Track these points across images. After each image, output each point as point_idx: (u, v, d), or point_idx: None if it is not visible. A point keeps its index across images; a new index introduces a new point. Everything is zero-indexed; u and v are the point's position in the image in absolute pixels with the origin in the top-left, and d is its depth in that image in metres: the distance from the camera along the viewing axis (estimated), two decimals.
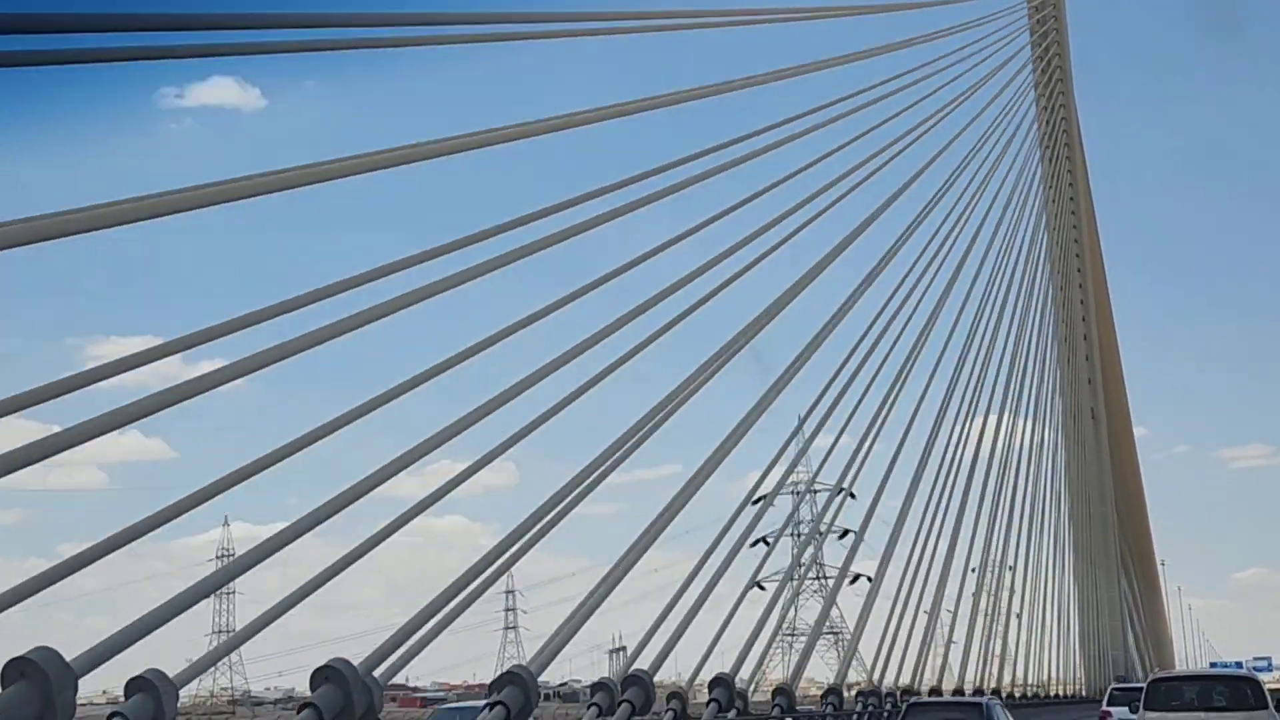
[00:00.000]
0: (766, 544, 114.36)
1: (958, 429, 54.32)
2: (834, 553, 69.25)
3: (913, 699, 27.18)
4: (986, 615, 66.28)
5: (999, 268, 56.22)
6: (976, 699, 22.23)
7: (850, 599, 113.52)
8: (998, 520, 64.83)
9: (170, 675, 14.19)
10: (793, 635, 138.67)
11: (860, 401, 41.39)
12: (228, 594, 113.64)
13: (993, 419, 60.78)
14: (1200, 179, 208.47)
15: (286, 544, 15.55)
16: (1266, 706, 17.29)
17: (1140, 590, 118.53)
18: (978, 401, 56.19)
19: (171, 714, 14.27)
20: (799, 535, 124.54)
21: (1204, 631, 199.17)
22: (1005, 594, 70.81)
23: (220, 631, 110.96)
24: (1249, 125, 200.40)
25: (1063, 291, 76.06)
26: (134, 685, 14.65)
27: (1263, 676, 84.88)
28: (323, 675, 15.48)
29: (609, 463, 23.52)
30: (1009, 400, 63.03)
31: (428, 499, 18.56)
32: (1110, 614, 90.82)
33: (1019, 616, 74.42)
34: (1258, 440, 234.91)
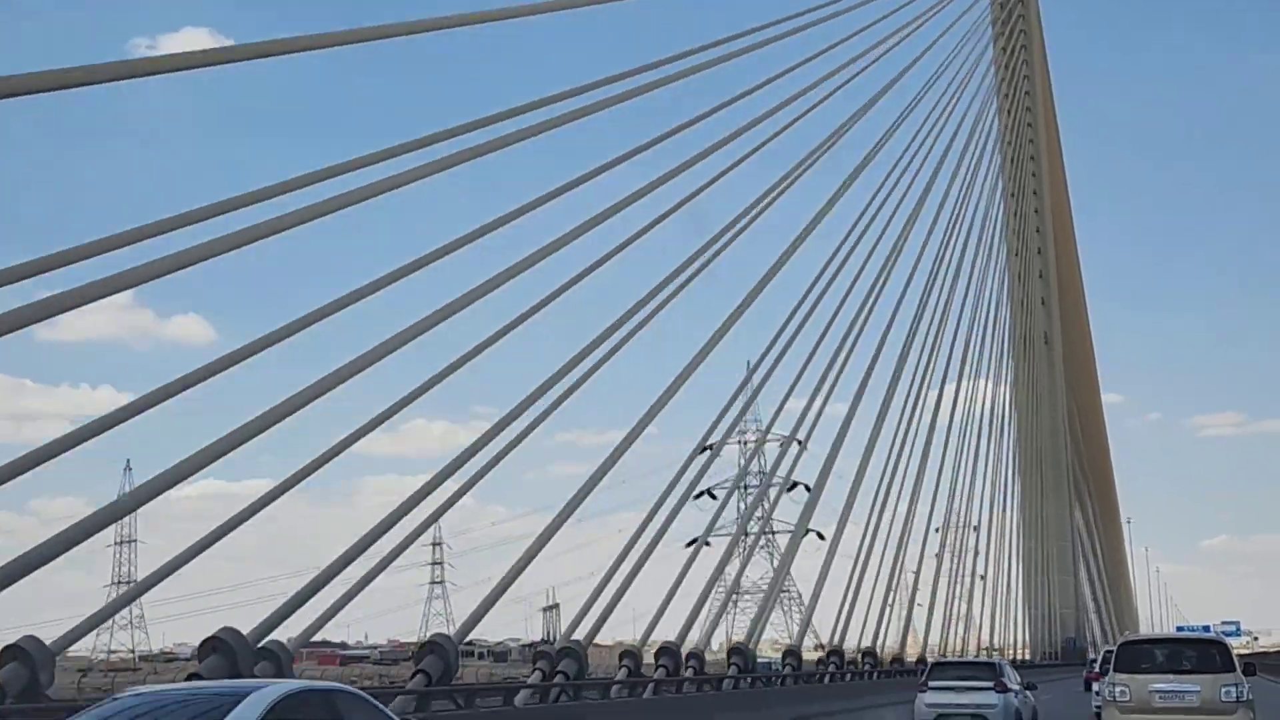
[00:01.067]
0: (713, 497, 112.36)
1: (917, 379, 55.05)
2: (789, 511, 68.88)
3: (935, 659, 31.62)
4: (950, 577, 67.09)
5: (958, 208, 56.60)
6: (990, 660, 25.51)
7: (808, 559, 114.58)
8: (960, 475, 65.57)
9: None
10: (738, 594, 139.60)
11: (815, 348, 41.70)
12: (129, 542, 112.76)
13: (954, 369, 61.37)
14: (1179, 140, 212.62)
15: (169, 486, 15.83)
16: (1234, 669, 17.85)
17: (1101, 544, 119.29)
18: (937, 352, 56.73)
19: (47, 681, 13.98)
20: (746, 489, 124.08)
21: (1171, 596, 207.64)
22: (970, 555, 71.58)
23: (120, 583, 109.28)
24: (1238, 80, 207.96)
25: (1018, 235, 77.17)
26: (6, 654, 14.34)
27: (1231, 641, 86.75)
28: (210, 646, 15.08)
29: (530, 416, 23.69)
30: (969, 351, 63.84)
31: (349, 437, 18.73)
32: (1062, 568, 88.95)
33: (983, 578, 75.65)
34: (1230, 408, 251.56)
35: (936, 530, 64.26)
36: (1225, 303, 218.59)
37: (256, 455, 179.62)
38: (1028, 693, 23.04)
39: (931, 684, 22.21)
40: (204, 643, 15.26)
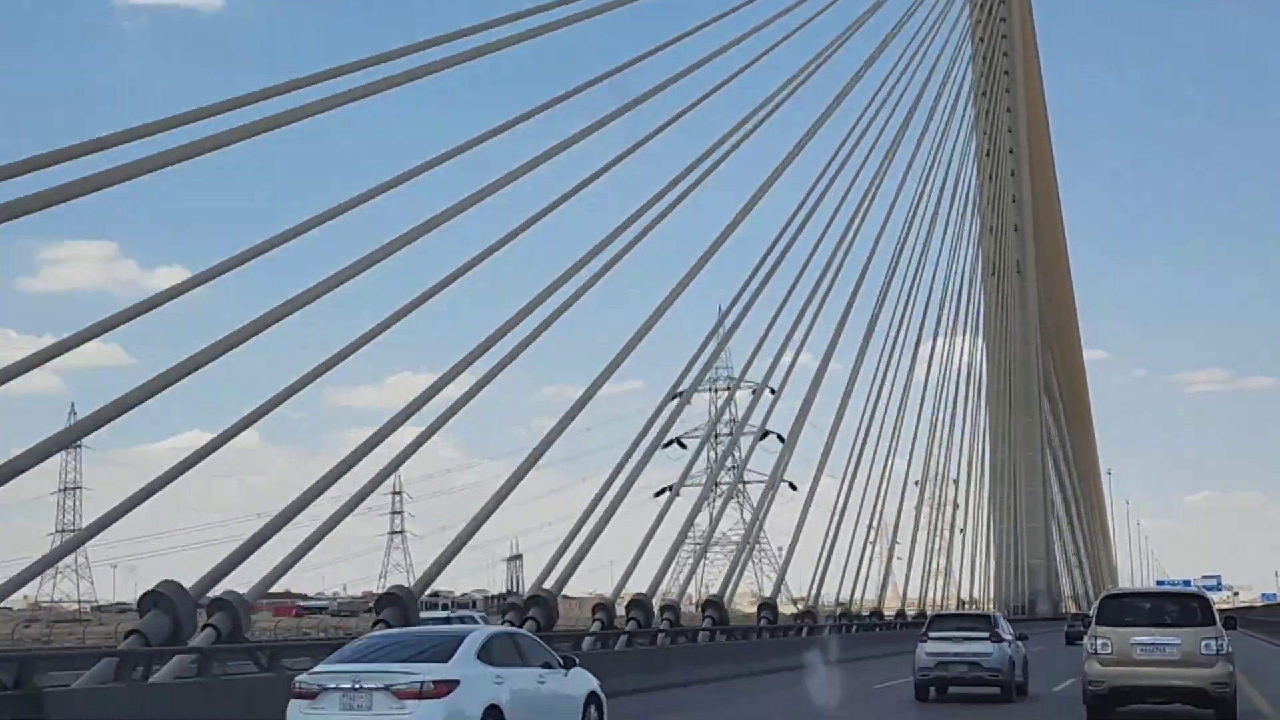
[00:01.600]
0: (682, 446, 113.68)
1: (894, 327, 55.01)
2: (763, 462, 68.92)
3: (935, 612, 36.86)
4: (930, 530, 67.58)
5: (934, 149, 56.15)
6: (986, 613, 28.02)
7: (783, 512, 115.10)
8: (938, 425, 65.68)
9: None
10: (710, 545, 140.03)
11: (789, 294, 41.46)
12: (73, 489, 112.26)
13: (931, 315, 61.42)
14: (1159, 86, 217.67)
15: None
16: (1214, 623, 18.40)
17: (1078, 494, 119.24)
18: (915, 291, 56.66)
19: None
20: (717, 438, 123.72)
21: (1153, 550, 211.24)
22: (949, 508, 72.01)
23: (64, 530, 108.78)
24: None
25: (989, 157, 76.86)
26: None
27: (1211, 595, 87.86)
28: (150, 600, 14.81)
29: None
30: (948, 291, 63.95)
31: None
32: (1031, 515, 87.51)
33: (962, 531, 76.34)
34: (1216, 365, 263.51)
35: (916, 484, 64.96)
36: (1211, 260, 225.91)
37: (240, 409, 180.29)
38: (1019, 643, 24.95)
39: (931, 635, 24.12)
40: (144, 597, 15.05)
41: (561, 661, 14.47)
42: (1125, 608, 19.27)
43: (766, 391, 46.73)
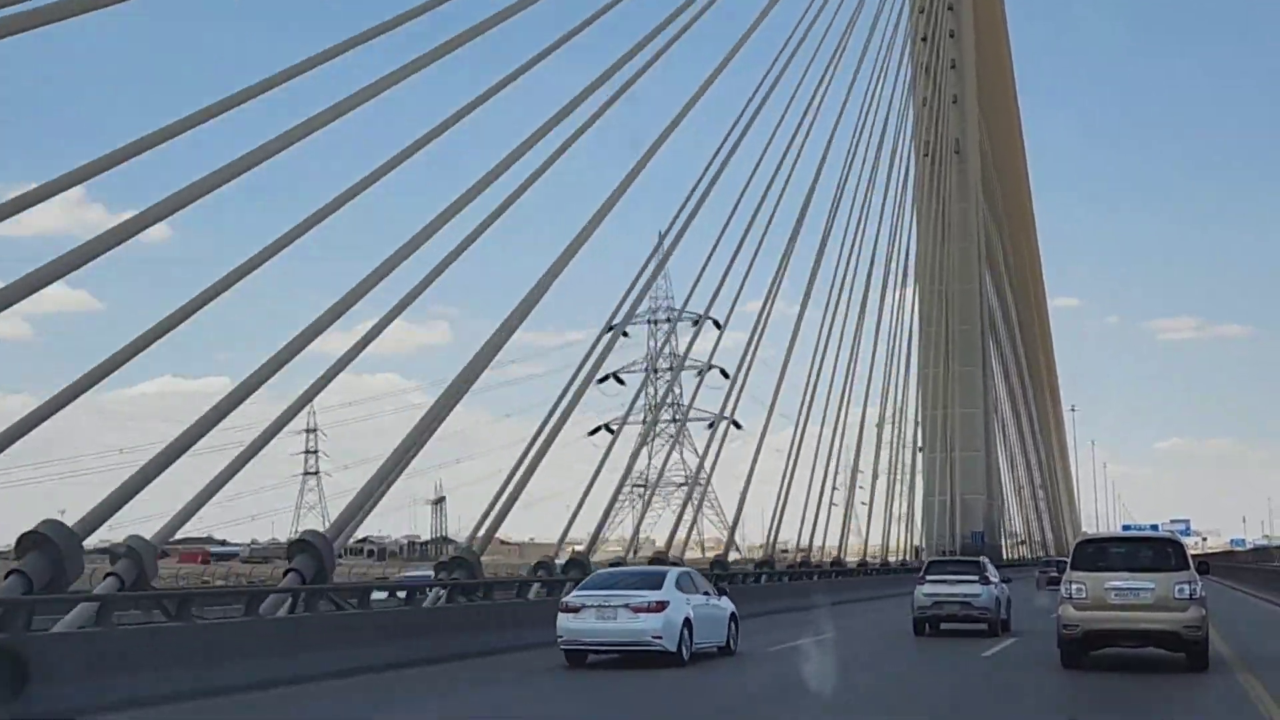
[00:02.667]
0: (620, 382, 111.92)
1: (844, 254, 54.95)
2: (709, 401, 68.54)
3: (931, 558, 41.08)
4: (890, 473, 68.08)
5: (878, 69, 55.62)
6: (976, 559, 31.80)
7: (733, 459, 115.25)
8: (894, 364, 65.87)
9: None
10: (654, 491, 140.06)
11: (729, 219, 41.06)
12: None
13: (882, 248, 61.61)
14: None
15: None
16: (1188, 568, 19.61)
17: (1036, 430, 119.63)
18: (865, 215, 56.45)
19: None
20: (657, 373, 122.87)
21: (1120, 495, 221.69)
22: (909, 450, 72.58)
23: None
24: None
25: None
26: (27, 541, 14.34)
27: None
28: (30, 541, 14.41)
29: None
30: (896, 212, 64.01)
31: None
32: (967, 443, 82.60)
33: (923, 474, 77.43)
34: (1188, 313, 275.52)
35: (876, 426, 65.89)
36: (1184, 207, 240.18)
37: (213, 353, 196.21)
38: (1004, 585, 29.47)
39: (928, 578, 28.77)
40: (23, 537, 14.67)
41: (715, 591, 23.24)
42: (1100, 552, 20.38)
43: (710, 325, 46.72)
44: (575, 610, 20.17)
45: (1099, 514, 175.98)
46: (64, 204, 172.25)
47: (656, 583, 20.86)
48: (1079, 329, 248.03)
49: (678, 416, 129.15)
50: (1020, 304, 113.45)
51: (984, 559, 31.39)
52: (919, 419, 75.65)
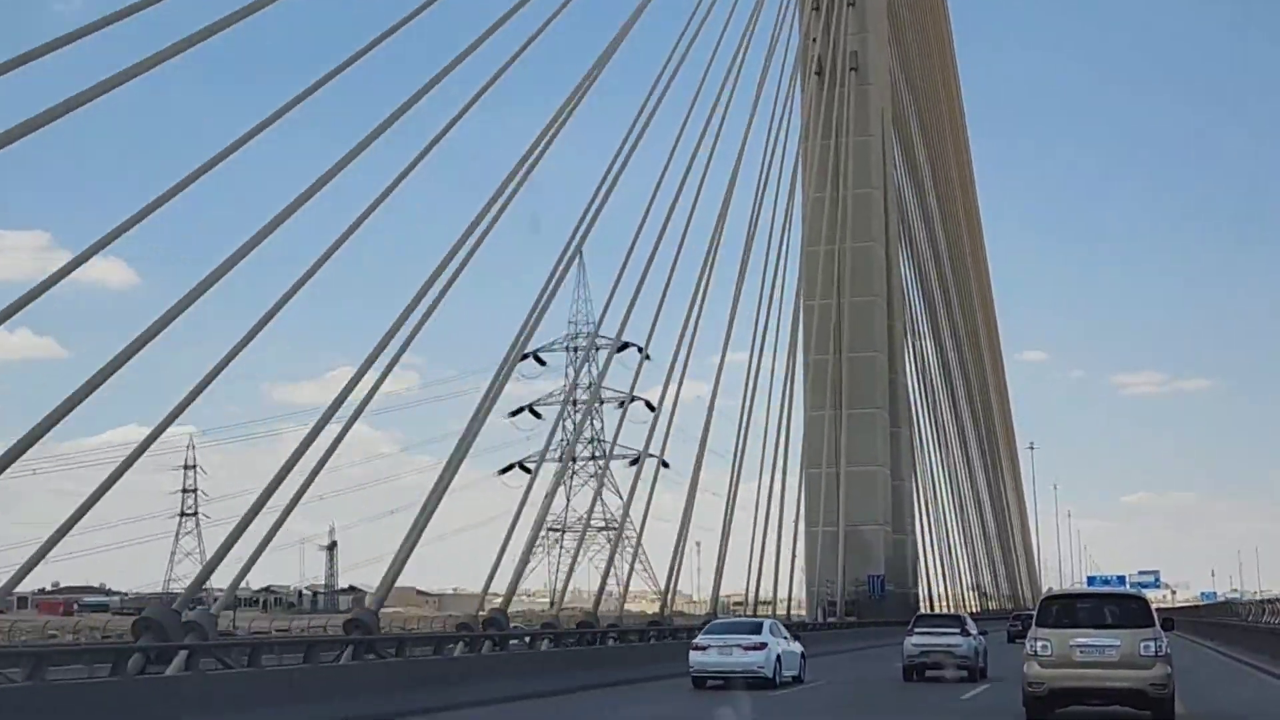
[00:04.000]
0: (536, 415, 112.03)
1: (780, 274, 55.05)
2: (633, 438, 68.28)
3: (919, 613, 47.16)
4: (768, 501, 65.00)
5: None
6: (958, 614, 43.58)
7: (667, 498, 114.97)
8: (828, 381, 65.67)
9: None
10: (561, 531, 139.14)
11: (659, 239, 40.95)
12: None
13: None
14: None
15: None
16: (1153, 624, 20.83)
17: (986, 471, 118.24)
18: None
19: None
20: (575, 405, 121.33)
21: (1086, 545, 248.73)
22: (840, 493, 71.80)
23: None
24: None
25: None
26: None
27: (1150, 592, 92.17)
28: None
29: None
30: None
31: None
32: (859, 454, 70.56)
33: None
34: (1151, 367, 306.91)
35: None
36: (1148, 262, 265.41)
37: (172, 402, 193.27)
38: (981, 637, 36.06)
39: (916, 630, 35.49)
40: None
41: (792, 636, 34.10)
42: (1065, 609, 21.70)
43: (635, 352, 46.64)
44: (703, 649, 31.32)
45: (1063, 565, 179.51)
46: (29, 249, 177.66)
47: (757, 629, 32.51)
48: (1045, 382, 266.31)
49: (598, 454, 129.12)
50: (964, 305, 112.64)
51: (964, 615, 41.90)
52: (784, 416, 60.80)
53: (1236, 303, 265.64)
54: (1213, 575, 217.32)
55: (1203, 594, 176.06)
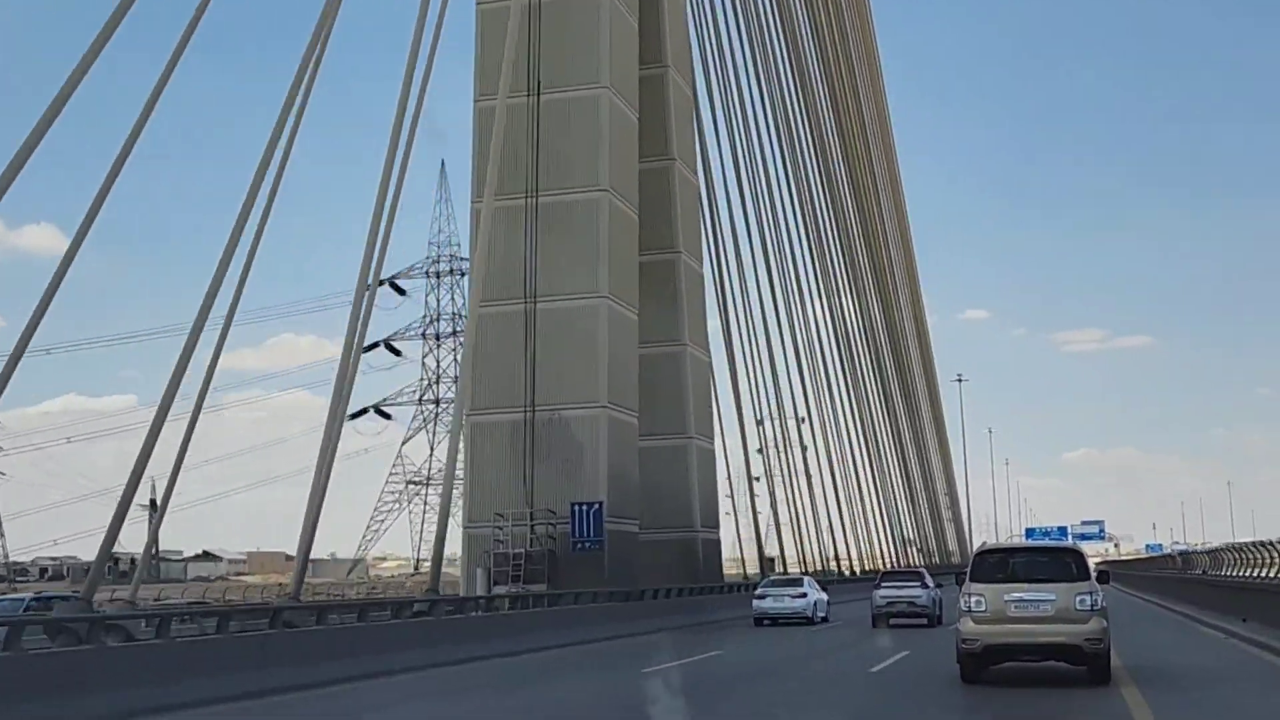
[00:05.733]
0: (394, 351, 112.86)
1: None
2: None
3: (884, 570, 61.52)
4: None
5: None
6: (919, 569, 54.10)
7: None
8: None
9: None
10: (422, 484, 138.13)
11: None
12: None
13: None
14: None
15: None
16: (1088, 578, 22.41)
17: (895, 401, 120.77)
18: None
19: None
20: (440, 339, 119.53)
21: (1026, 500, 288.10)
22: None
23: None
24: None
25: None
26: None
27: (1093, 545, 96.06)
28: None
29: None
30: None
31: None
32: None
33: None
34: (1092, 325, 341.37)
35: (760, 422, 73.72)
36: (1087, 221, 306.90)
37: (120, 370, 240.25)
38: (938, 589, 47.04)
39: (883, 584, 46.61)
40: None
41: (822, 588, 51.11)
42: (999, 564, 23.26)
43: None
44: (762, 598, 48.03)
45: (999, 519, 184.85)
46: None
47: (799, 582, 50.25)
48: (987, 341, 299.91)
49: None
50: (866, 228, 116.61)
51: (924, 570, 52.38)
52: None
53: (1176, 260, 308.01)
54: (1154, 529, 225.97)
55: (1148, 546, 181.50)
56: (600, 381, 50.53)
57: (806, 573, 68.92)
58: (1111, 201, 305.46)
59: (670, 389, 59.87)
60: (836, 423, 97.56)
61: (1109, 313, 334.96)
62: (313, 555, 35.02)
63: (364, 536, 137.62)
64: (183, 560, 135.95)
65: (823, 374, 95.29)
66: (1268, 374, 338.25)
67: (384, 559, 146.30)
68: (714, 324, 68.67)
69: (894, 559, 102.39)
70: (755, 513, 78.87)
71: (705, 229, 68.53)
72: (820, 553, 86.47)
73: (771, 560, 77.38)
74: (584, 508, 48.55)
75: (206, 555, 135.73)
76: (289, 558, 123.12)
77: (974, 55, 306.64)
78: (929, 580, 47.31)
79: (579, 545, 48.37)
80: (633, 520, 52.93)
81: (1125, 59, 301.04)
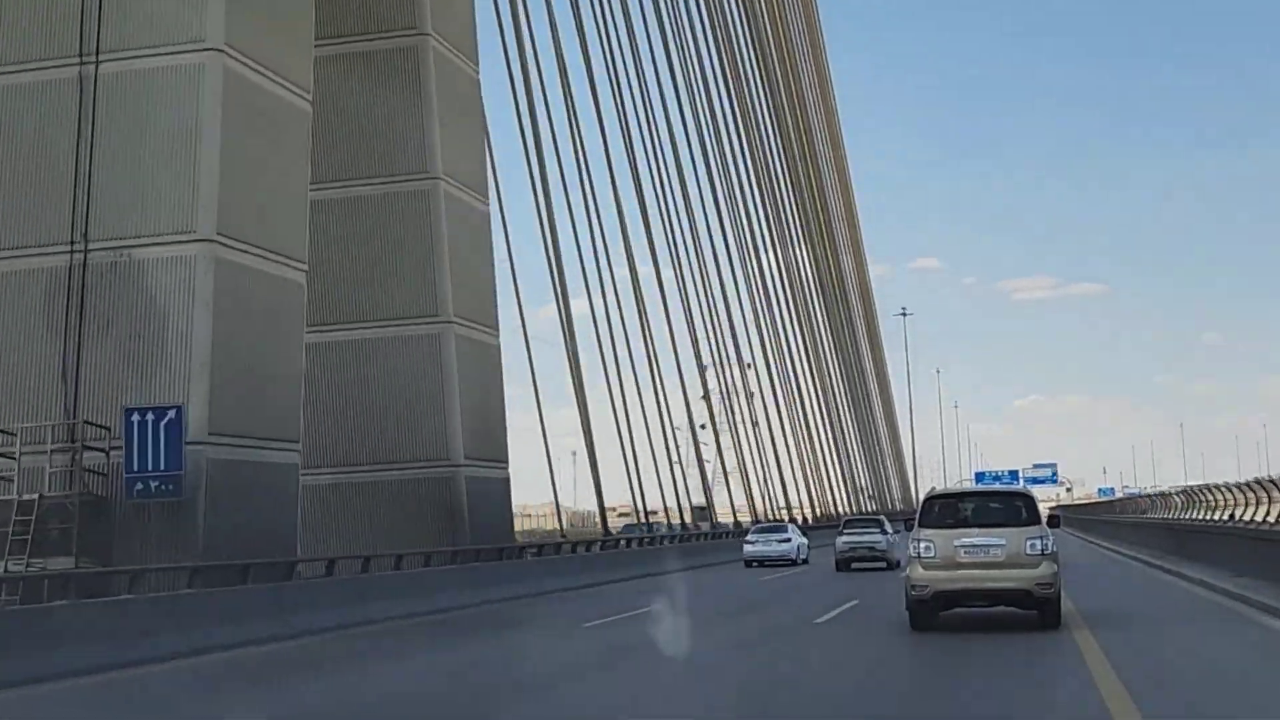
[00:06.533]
0: None
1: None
2: None
3: (846, 517, 69.83)
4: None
5: None
6: (877, 516, 64.94)
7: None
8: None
9: None
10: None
11: None
12: None
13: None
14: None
15: None
16: (1039, 522, 23.55)
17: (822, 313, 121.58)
18: None
19: None
20: None
21: (977, 445, 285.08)
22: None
23: None
24: None
25: None
26: None
27: (1046, 489, 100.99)
28: None
29: None
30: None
31: None
32: None
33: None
34: (1041, 272, 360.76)
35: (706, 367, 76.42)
36: (1036, 166, 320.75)
37: None
38: (895, 535, 53.05)
39: (845, 531, 52.83)
40: None
41: (801, 533, 61.32)
42: (948, 509, 24.33)
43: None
44: (753, 542, 57.70)
45: (948, 463, 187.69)
46: None
47: (784, 528, 60.88)
48: (939, 291, 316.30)
49: None
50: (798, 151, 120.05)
51: (883, 517, 62.50)
52: None
53: (1125, 205, 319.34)
54: (1104, 473, 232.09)
55: (1100, 490, 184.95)
56: (201, 196, 32.54)
57: (741, 520, 76.70)
58: (1061, 146, 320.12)
59: (409, 245, 44.68)
60: (785, 367, 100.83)
61: (1059, 260, 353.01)
62: None
63: None
64: None
65: (767, 319, 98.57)
66: (1215, 320, 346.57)
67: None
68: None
69: (842, 506, 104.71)
70: (693, 461, 79.91)
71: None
72: (770, 501, 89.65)
73: (702, 509, 79.13)
74: (148, 417, 31.12)
75: None
76: None
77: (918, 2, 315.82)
78: (888, 527, 54.56)
79: (140, 486, 30.90)
80: (286, 445, 35.41)
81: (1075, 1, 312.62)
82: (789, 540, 57.28)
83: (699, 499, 78.84)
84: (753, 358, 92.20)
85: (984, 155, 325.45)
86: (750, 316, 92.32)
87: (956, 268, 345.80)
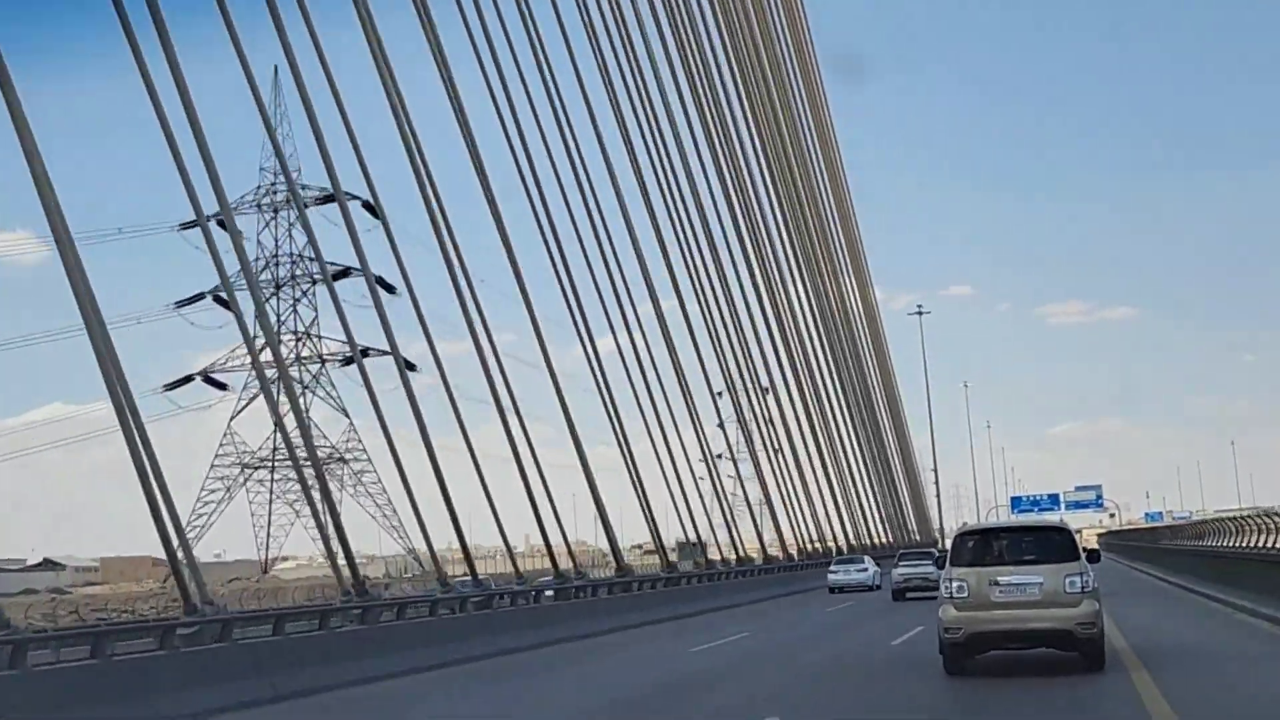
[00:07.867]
0: (223, 304, 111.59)
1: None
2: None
3: (901, 549, 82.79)
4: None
5: None
6: (928, 549, 77.21)
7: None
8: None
9: None
10: (272, 469, 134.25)
11: None
12: None
13: None
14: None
15: None
16: (1077, 557, 23.54)
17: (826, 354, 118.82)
18: None
19: None
20: (279, 288, 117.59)
21: (1013, 469, 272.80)
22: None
23: None
24: None
25: None
26: None
27: (1090, 514, 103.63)
28: None
29: None
30: None
31: None
32: None
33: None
34: (1076, 297, 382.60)
35: (720, 394, 79.79)
36: (1068, 192, 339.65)
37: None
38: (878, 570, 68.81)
39: (901, 562, 61.91)
40: None
41: (873, 562, 77.95)
42: (981, 545, 24.56)
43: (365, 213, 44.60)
44: (835, 572, 73.25)
45: (982, 492, 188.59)
46: None
47: (860, 559, 78.26)
48: (973, 319, 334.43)
49: (320, 355, 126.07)
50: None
51: (936, 548, 73.14)
52: None
53: (1158, 230, 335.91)
54: (1147, 497, 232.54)
55: (1146, 515, 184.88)
56: None
57: (740, 559, 79.75)
58: (1093, 172, 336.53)
59: None
60: (817, 398, 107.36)
61: (1092, 285, 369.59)
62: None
63: (266, 535, 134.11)
64: (22, 569, 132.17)
65: (798, 347, 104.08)
66: (1252, 342, 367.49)
67: (284, 559, 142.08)
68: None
69: (851, 540, 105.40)
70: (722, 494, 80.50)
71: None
72: (801, 534, 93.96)
73: (694, 545, 77.55)
74: None
75: (48, 563, 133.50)
76: (157, 562, 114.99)
77: (951, 30, 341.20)
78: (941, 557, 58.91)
79: None
80: None
81: (1104, 30, 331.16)
82: (866, 570, 73.54)
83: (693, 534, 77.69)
84: (771, 384, 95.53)
85: (1012, 183, 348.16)
86: (768, 345, 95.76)
87: (991, 295, 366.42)
